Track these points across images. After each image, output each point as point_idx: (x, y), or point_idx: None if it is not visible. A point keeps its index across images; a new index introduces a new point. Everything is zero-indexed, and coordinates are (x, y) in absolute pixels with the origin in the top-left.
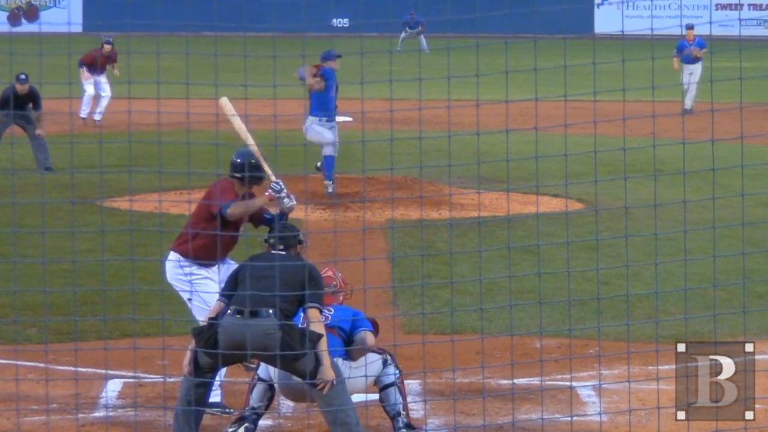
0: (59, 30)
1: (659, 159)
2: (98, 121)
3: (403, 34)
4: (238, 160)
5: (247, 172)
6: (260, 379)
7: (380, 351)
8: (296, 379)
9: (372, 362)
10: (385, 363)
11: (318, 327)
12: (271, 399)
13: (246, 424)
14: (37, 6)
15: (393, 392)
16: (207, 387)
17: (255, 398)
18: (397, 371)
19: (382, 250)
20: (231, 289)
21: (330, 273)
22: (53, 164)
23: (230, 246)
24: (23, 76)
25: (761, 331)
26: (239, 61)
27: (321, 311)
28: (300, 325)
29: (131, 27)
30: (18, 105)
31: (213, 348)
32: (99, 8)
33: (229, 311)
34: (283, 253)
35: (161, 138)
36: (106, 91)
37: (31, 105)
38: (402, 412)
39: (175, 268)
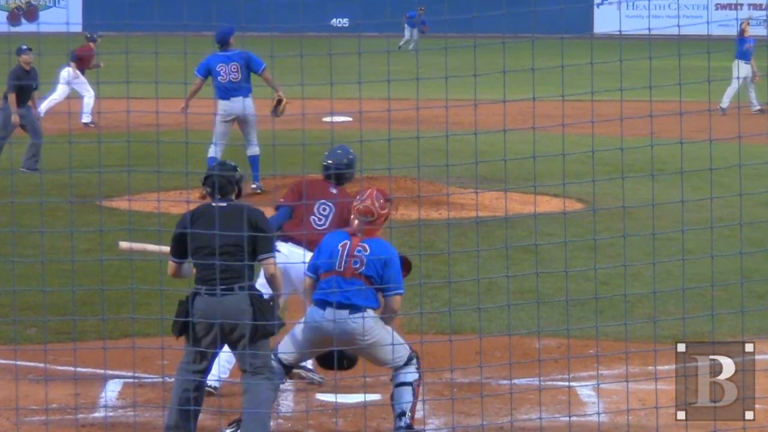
0: (59, 30)
1: (660, 159)
2: (91, 123)
3: (407, 35)
4: (329, 161)
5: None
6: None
7: (411, 348)
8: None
9: (400, 344)
10: (409, 360)
11: (276, 275)
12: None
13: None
14: (36, 6)
15: (407, 392)
16: (201, 382)
17: None
18: (418, 374)
19: None
20: (181, 249)
21: (367, 202)
22: (43, 165)
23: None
24: (25, 47)
25: (761, 330)
26: None
27: (275, 256)
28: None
29: (130, 27)
30: (27, 91)
31: (194, 334)
32: (98, 8)
33: (203, 290)
34: (225, 205)
35: (160, 138)
36: (90, 92)
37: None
38: (408, 412)
39: None
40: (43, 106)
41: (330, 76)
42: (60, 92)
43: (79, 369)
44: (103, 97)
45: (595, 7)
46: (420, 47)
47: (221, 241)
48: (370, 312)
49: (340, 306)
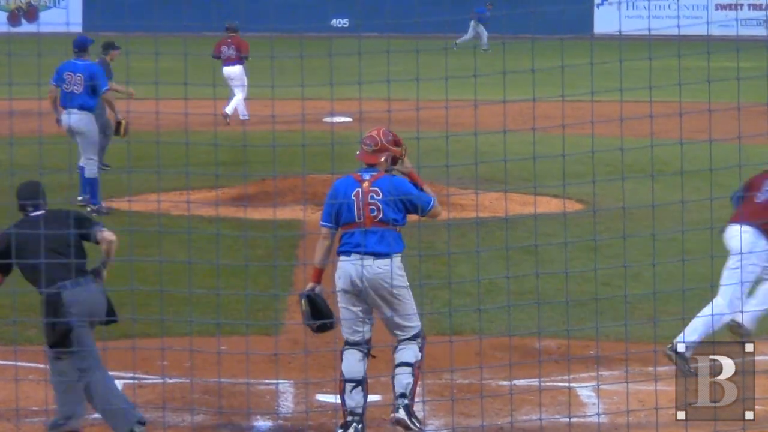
0: (59, 30)
1: (661, 160)
2: (227, 118)
3: (470, 33)
4: None
5: None
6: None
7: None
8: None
9: (415, 314)
10: (416, 336)
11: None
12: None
13: (355, 425)
14: (36, 6)
15: (406, 373)
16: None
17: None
18: (421, 354)
19: None
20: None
21: (373, 133)
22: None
23: None
24: (116, 44)
25: (761, 331)
26: None
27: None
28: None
29: (131, 27)
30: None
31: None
32: (99, 9)
33: (67, 283)
34: (41, 213)
35: (160, 138)
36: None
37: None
38: (408, 394)
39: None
40: (229, 110)
41: (330, 77)
42: (243, 91)
43: None
44: None
45: (595, 7)
46: (420, 48)
47: (55, 244)
48: (395, 258)
49: (366, 254)
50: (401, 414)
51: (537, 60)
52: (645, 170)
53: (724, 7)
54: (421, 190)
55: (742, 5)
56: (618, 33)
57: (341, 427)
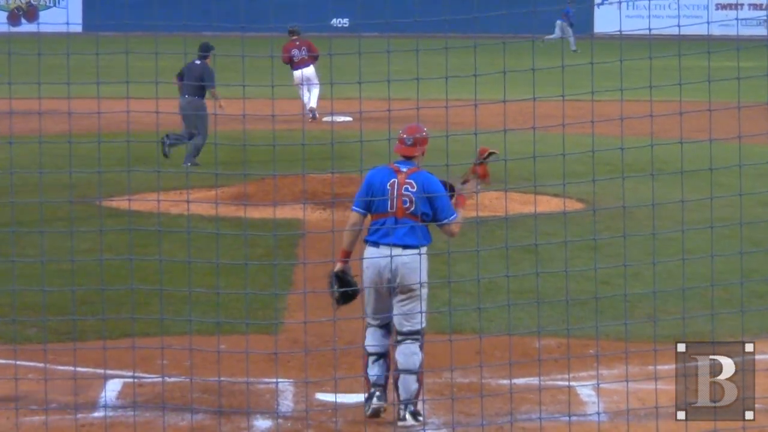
0: (59, 30)
1: (661, 159)
2: (309, 113)
3: (557, 32)
4: None
5: None
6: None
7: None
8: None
9: (420, 312)
10: (422, 332)
11: None
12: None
13: (378, 395)
14: (36, 6)
15: (412, 381)
16: None
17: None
18: (422, 353)
19: None
20: None
21: (411, 126)
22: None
23: None
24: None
25: (761, 330)
26: (237, 61)
27: None
28: None
29: (130, 27)
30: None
31: None
32: (98, 8)
33: None
34: None
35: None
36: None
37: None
38: (413, 399)
39: None
40: (314, 104)
41: (330, 77)
42: (319, 88)
43: (78, 369)
44: (104, 97)
45: (595, 7)
46: (420, 47)
47: None
48: (423, 249)
49: (395, 246)
50: (409, 421)
51: (537, 59)
52: (645, 169)
53: (724, 7)
54: (455, 204)
55: (742, 5)
56: (618, 33)
57: (366, 400)
